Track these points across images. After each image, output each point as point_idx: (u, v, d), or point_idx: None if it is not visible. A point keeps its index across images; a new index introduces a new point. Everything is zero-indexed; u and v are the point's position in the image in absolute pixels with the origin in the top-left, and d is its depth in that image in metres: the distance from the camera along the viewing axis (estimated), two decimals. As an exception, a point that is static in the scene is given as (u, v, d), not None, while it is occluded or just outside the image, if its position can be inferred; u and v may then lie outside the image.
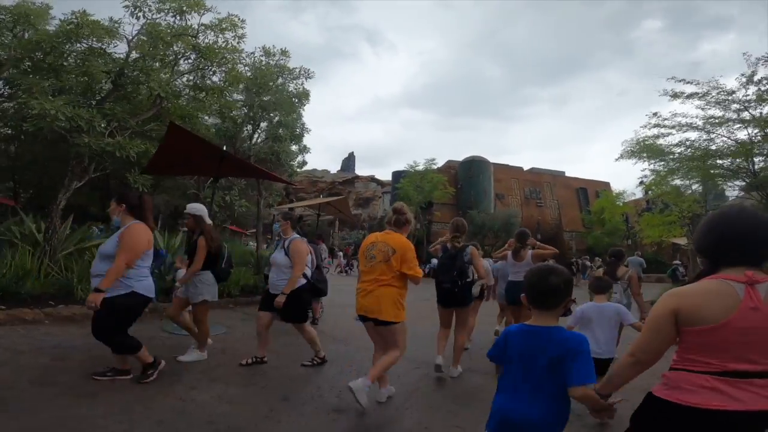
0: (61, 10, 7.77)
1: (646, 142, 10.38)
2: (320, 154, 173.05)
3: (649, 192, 14.08)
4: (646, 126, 10.42)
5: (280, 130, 12.80)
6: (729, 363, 1.23)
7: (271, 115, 12.34)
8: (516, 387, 1.57)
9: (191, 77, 8.56)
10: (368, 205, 60.62)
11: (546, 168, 36.67)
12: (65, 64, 7.27)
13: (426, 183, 24.53)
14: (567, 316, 1.96)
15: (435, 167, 25.78)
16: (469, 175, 29.91)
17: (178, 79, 8.26)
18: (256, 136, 13.13)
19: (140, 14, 7.81)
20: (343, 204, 10.87)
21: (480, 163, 30.47)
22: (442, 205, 29.80)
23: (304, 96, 13.72)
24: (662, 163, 10.36)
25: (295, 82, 11.10)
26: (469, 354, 5.07)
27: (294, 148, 14.25)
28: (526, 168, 35.58)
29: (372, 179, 70.70)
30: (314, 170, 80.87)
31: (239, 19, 8.54)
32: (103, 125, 6.74)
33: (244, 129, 12.42)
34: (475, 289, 4.20)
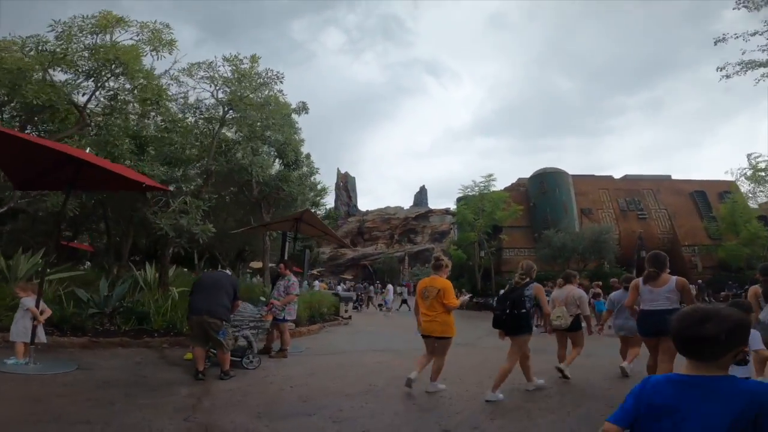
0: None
1: None
2: (396, 194, 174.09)
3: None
4: None
5: (273, 152, 10.99)
6: None
7: (268, 134, 10.58)
8: None
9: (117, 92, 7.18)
10: (443, 238, 57.49)
11: (644, 174, 30.25)
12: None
13: (486, 203, 20.93)
14: (742, 366, 1.39)
15: (495, 185, 21.96)
16: (541, 190, 25.49)
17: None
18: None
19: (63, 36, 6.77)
20: (313, 218, 8.25)
21: (554, 175, 25.91)
22: (513, 229, 25.59)
23: (302, 109, 11.91)
24: None
25: (267, 88, 9.17)
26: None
27: (297, 173, 12.31)
28: (617, 177, 29.73)
29: (447, 212, 68.04)
30: (387, 207, 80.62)
31: (164, 25, 7.17)
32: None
33: (238, 149, 10.73)
34: (560, 321, 5.43)
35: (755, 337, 2.82)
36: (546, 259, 20.97)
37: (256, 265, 21.96)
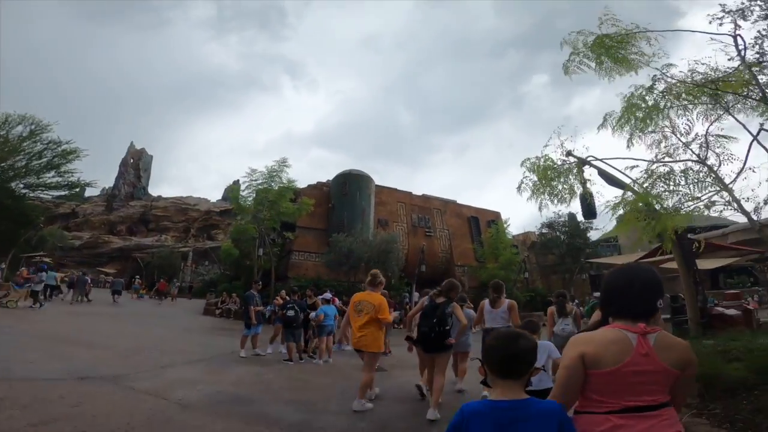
0: None
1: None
2: (217, 188, 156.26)
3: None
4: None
5: None
6: (623, 401, 1.40)
7: None
8: None
9: None
10: (248, 238, 51.54)
11: (436, 195, 32.50)
12: None
13: (271, 193, 17.39)
14: (528, 387, 1.50)
15: (288, 173, 18.57)
16: (343, 191, 23.81)
17: None
18: None
19: None
20: None
21: (358, 177, 24.69)
22: (308, 231, 22.97)
23: None
24: None
25: None
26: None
27: None
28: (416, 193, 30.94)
29: (257, 210, 61.07)
30: (188, 197, 68.93)
31: None
32: None
33: None
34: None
35: (551, 347, 3.48)
36: (332, 266, 18.85)
37: None
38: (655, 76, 4.37)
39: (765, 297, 17.22)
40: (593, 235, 32.08)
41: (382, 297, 4.86)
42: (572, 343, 1.49)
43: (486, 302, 5.27)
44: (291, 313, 7.96)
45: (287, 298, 9.16)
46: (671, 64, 4.39)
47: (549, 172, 5.31)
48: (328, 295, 8.65)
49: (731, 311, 8.05)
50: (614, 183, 7.07)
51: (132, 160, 68.60)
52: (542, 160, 5.46)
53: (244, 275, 19.31)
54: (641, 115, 4.41)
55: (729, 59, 4.98)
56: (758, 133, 4.02)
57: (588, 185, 7.17)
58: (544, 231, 32.49)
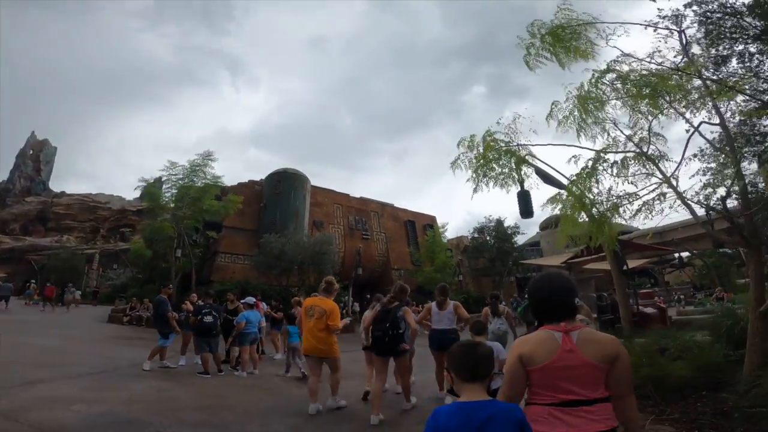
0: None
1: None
2: (137, 186, 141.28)
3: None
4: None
5: None
6: (559, 395, 1.53)
7: None
8: None
9: None
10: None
11: (373, 198, 32.21)
12: None
13: (194, 190, 15.65)
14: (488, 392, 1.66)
15: (213, 168, 16.83)
16: (276, 190, 22.48)
17: None
18: None
19: None
20: None
21: (293, 176, 23.50)
22: (237, 231, 21.32)
23: None
24: None
25: None
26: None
27: None
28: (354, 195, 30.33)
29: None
30: (98, 194, 61.66)
31: None
32: None
33: None
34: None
35: (498, 348, 3.90)
36: (262, 268, 17.52)
37: None
38: (610, 62, 4.26)
39: (665, 297, 19.18)
40: (519, 240, 33.92)
41: (335, 304, 4.86)
42: (513, 345, 1.68)
43: (433, 305, 5.45)
44: (209, 319, 6.91)
45: (200, 302, 8.02)
46: (629, 54, 4.31)
47: (490, 153, 4.99)
48: (251, 299, 7.68)
49: (649, 310, 8.51)
50: (552, 182, 7.03)
51: (32, 152, 60.15)
52: (487, 135, 5.13)
53: (159, 279, 17.24)
54: (590, 105, 4.27)
55: (660, 63, 5.09)
56: (699, 125, 4.05)
57: (525, 185, 7.08)
58: (475, 236, 33.60)
